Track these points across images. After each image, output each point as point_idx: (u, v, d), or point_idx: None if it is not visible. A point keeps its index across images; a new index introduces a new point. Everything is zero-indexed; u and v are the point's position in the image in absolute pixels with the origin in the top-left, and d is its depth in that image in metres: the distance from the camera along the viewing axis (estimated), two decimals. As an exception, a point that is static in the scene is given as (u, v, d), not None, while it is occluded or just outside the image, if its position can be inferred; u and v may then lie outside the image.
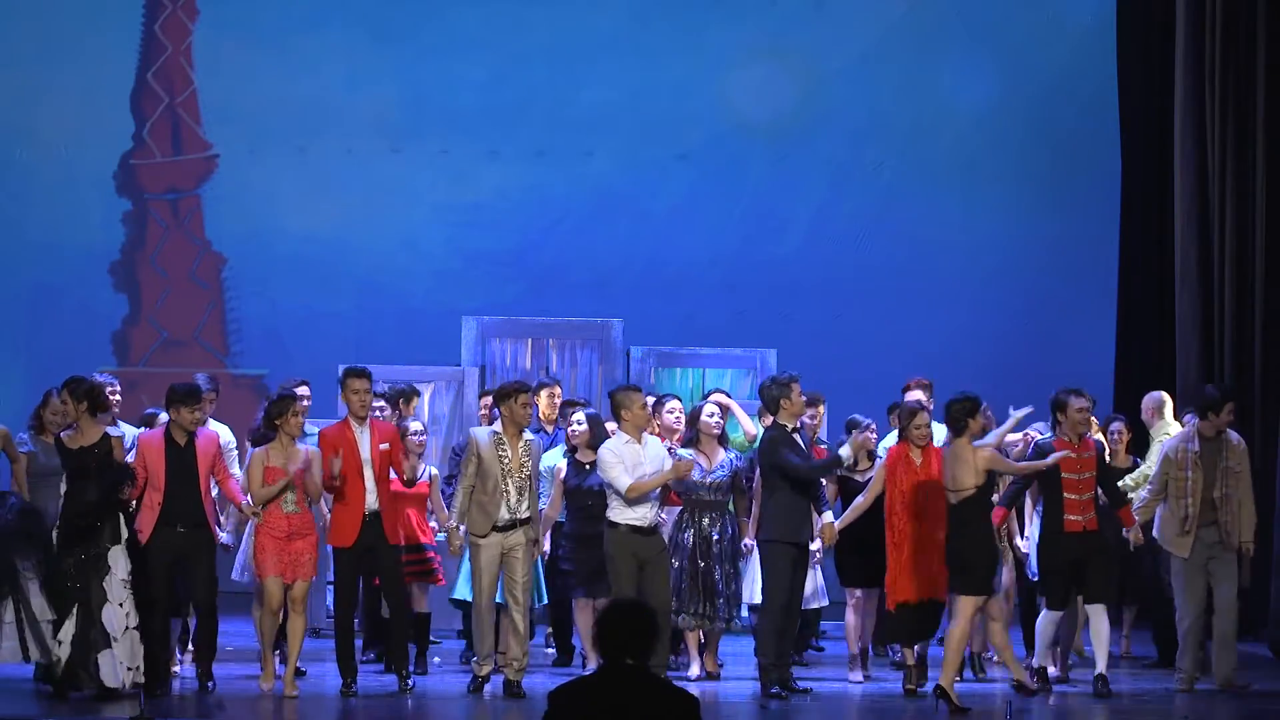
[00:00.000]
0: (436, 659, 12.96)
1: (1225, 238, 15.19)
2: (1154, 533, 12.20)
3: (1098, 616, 11.87)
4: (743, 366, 15.54)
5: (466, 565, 12.30)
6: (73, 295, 17.72)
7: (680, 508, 12.23)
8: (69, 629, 11.19)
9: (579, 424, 12.52)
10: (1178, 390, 14.70)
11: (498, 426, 11.78)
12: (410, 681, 11.67)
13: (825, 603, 13.13)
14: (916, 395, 13.13)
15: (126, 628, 11.26)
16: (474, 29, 17.98)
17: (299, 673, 11.94)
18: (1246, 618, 14.24)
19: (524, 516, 11.68)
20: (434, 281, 17.77)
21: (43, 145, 17.81)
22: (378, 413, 12.32)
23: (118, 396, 12.57)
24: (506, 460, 11.63)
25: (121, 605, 11.26)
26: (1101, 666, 11.85)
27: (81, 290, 17.76)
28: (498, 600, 11.84)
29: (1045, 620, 11.94)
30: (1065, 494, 11.77)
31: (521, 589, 11.67)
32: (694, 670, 12.33)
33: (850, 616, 12.51)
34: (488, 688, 11.74)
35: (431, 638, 13.16)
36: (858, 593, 12.47)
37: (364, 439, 11.66)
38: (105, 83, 17.91)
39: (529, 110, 17.97)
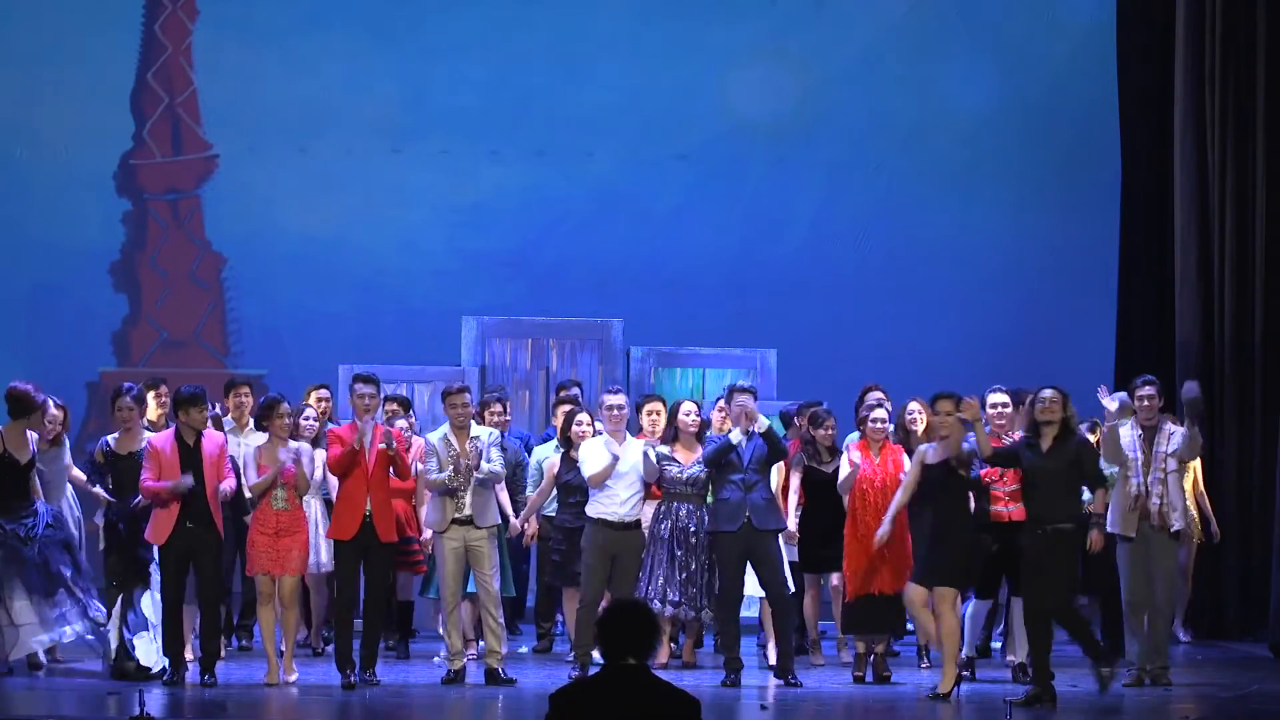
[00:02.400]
0: (436, 657, 12.97)
1: (1225, 238, 15.19)
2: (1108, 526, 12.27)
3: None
4: (743, 366, 15.55)
5: None
6: (73, 295, 17.71)
7: (660, 501, 12.52)
8: (114, 619, 11.95)
9: (583, 423, 12.85)
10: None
11: (447, 426, 12.17)
12: (372, 675, 11.83)
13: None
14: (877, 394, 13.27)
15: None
16: (474, 29, 17.98)
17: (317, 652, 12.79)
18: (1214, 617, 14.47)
19: (468, 514, 12.01)
20: (434, 281, 17.76)
21: (43, 145, 17.80)
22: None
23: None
24: (456, 457, 12.01)
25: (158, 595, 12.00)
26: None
27: (81, 290, 17.75)
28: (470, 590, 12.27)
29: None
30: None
31: (489, 580, 11.99)
32: (661, 657, 12.57)
33: (807, 603, 12.98)
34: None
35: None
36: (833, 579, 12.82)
37: (366, 440, 11.87)
38: (105, 83, 17.90)
39: (529, 110, 17.97)
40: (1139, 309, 16.52)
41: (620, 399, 12.45)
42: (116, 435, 12.18)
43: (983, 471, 12.03)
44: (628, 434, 12.36)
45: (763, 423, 12.06)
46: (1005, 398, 12.33)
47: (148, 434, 12.13)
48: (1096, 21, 17.59)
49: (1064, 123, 17.94)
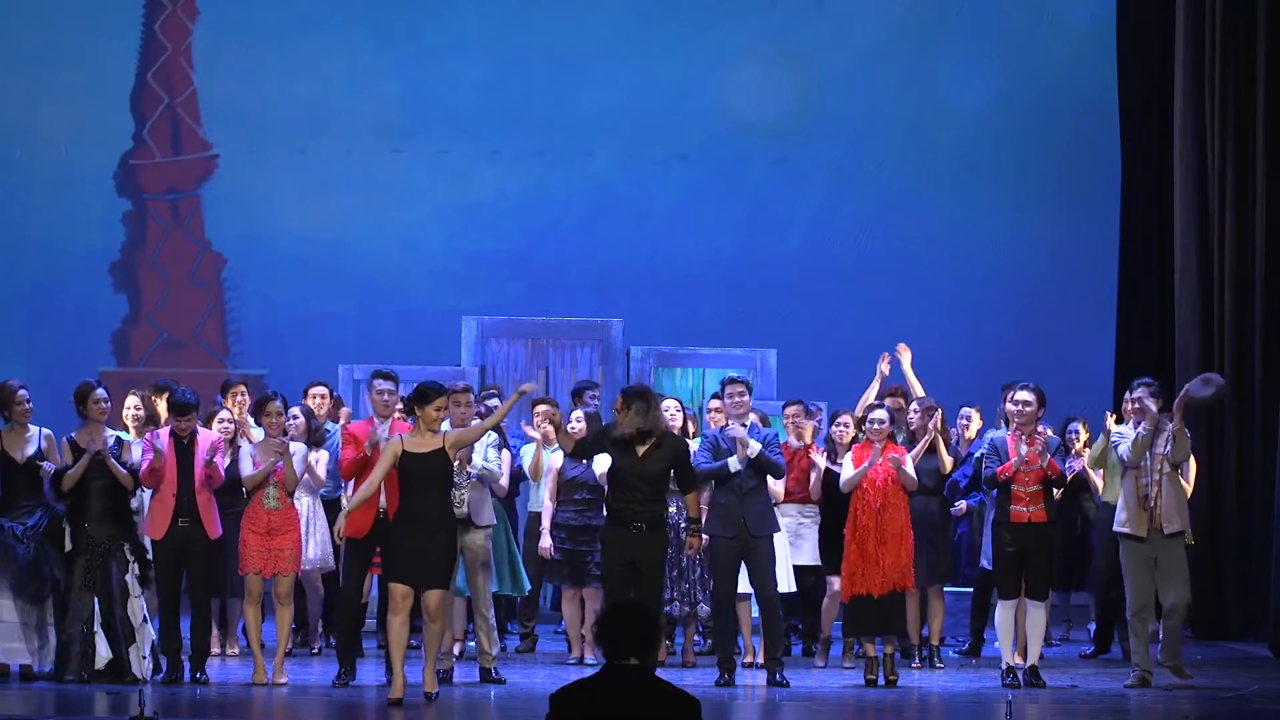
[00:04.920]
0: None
1: (1225, 238, 15.19)
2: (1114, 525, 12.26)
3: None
4: (743, 366, 15.54)
5: None
6: (73, 295, 17.72)
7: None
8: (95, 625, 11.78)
9: (577, 420, 12.89)
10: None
11: (446, 425, 12.03)
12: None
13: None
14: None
15: (144, 619, 11.88)
16: (474, 29, 17.99)
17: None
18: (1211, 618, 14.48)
19: (464, 513, 11.86)
20: (434, 281, 17.77)
21: (43, 145, 17.81)
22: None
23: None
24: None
25: (138, 598, 11.88)
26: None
27: (81, 290, 17.76)
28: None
29: None
30: None
31: (484, 580, 11.96)
32: (659, 655, 12.51)
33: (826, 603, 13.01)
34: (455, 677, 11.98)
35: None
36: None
37: (382, 441, 11.72)
38: (105, 83, 17.91)
39: (529, 110, 17.98)
40: (1139, 309, 16.51)
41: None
42: (76, 431, 11.93)
43: (998, 469, 12.00)
44: None
45: (754, 448, 11.98)
46: (1030, 395, 12.22)
47: (109, 431, 12.04)
48: (1096, 21, 17.59)
49: (1064, 123, 17.95)
